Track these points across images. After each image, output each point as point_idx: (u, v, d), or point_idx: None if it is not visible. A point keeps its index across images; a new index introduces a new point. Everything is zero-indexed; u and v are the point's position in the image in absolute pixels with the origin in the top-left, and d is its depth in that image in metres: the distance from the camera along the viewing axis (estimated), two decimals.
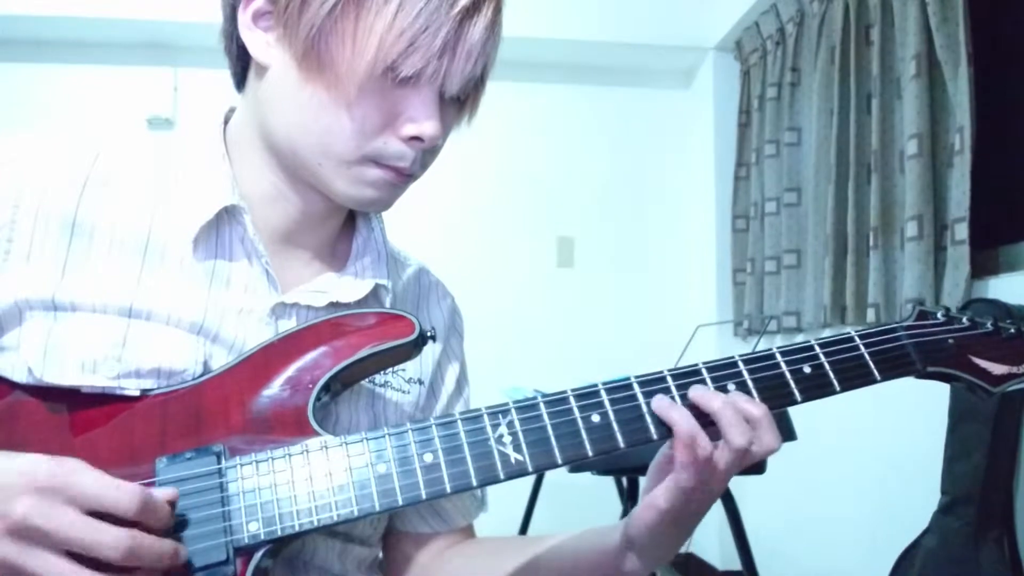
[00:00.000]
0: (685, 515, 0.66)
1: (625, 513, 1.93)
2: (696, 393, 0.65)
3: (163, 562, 0.54)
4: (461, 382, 0.88)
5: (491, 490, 0.85)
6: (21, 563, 0.50)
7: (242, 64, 0.75)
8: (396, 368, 0.78)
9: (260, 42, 0.70)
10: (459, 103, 0.72)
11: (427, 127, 0.68)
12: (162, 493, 0.55)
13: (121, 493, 0.52)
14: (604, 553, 0.72)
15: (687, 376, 0.67)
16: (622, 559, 0.71)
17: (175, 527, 0.57)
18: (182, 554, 0.56)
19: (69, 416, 0.63)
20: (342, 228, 0.81)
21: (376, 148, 0.68)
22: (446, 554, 0.84)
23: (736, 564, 1.99)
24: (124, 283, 0.67)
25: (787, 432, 1.74)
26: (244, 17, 0.70)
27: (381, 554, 0.85)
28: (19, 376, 0.64)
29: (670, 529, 0.67)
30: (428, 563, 0.84)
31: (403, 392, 0.79)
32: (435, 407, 0.84)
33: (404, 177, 0.71)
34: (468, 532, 0.88)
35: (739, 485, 1.90)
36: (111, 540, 0.51)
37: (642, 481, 0.69)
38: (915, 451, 1.97)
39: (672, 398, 0.66)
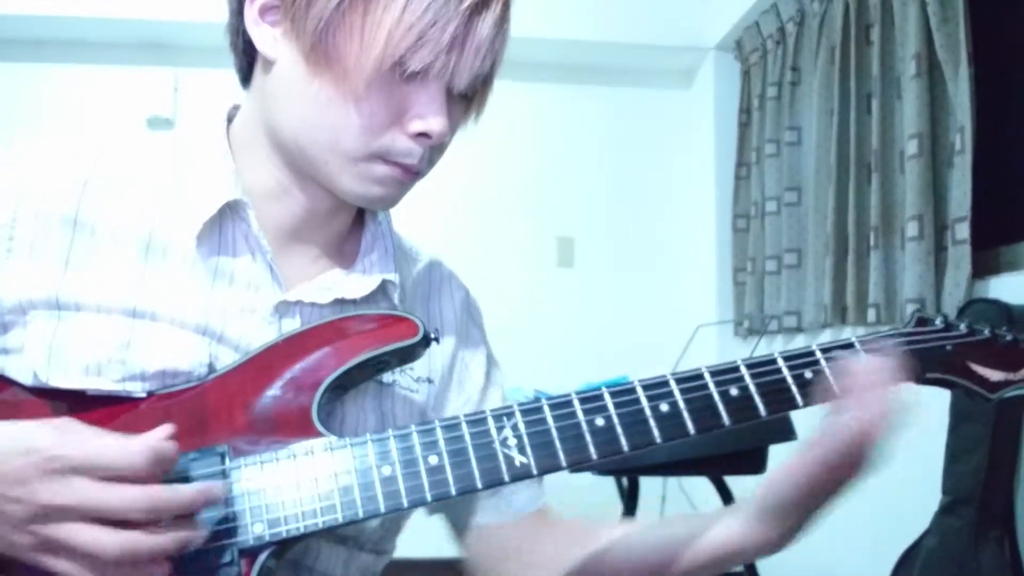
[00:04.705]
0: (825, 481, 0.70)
1: (626, 513, 1.93)
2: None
3: (195, 507, 0.54)
4: (491, 371, 0.86)
5: None
6: (51, 539, 0.51)
7: (248, 59, 0.74)
8: (404, 367, 0.77)
9: (267, 37, 0.69)
10: (466, 100, 0.72)
11: (434, 123, 0.67)
12: (159, 435, 0.55)
13: (132, 455, 0.52)
14: (725, 530, 0.75)
15: (690, 380, 0.67)
16: (750, 530, 0.73)
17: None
18: (214, 491, 0.56)
19: (74, 417, 0.63)
20: (352, 225, 0.80)
21: (384, 145, 0.68)
22: (537, 537, 0.81)
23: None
24: (128, 282, 0.67)
25: (787, 432, 1.74)
26: (251, 11, 0.69)
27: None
28: (24, 379, 0.64)
29: (806, 498, 0.70)
30: (519, 546, 0.81)
31: (411, 391, 0.79)
32: (462, 403, 0.82)
33: (411, 175, 0.71)
34: (549, 514, 0.84)
35: (739, 485, 1.90)
36: (130, 500, 0.51)
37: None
38: (915, 451, 1.96)
39: (675, 402, 0.66)
